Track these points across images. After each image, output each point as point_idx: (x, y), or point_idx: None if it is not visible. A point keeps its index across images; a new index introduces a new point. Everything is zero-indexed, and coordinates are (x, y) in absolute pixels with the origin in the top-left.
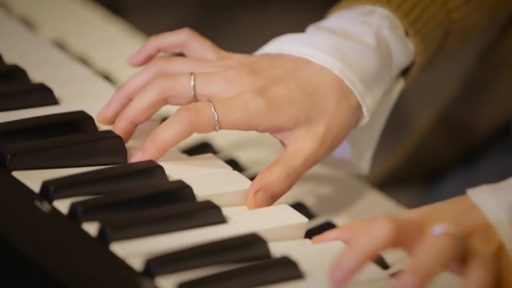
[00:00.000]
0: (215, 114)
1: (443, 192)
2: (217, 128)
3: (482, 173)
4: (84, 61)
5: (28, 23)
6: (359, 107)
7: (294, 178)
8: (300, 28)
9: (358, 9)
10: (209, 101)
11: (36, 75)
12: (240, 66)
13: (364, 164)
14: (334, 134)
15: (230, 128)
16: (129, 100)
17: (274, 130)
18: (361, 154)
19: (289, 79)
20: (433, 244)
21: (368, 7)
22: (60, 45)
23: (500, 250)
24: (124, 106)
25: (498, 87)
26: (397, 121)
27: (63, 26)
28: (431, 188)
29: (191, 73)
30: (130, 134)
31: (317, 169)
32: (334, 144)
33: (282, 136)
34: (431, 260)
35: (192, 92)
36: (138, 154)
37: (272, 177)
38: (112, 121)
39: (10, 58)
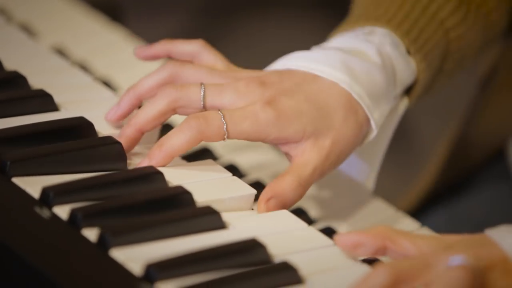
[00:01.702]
0: (224, 123)
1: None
2: (225, 137)
3: (473, 200)
4: (84, 68)
5: (28, 30)
6: (366, 122)
7: (305, 187)
8: (299, 34)
9: (358, 30)
10: (219, 110)
11: (36, 82)
12: (250, 78)
13: (369, 182)
14: (340, 148)
15: (238, 138)
16: (139, 101)
17: (281, 142)
18: (366, 172)
19: (298, 92)
20: (450, 275)
21: (368, 28)
22: (60, 52)
23: None
24: (134, 107)
25: (492, 112)
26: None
27: (63, 32)
28: (419, 215)
29: (201, 84)
30: (136, 141)
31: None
32: (339, 159)
33: (288, 149)
34: None
35: (202, 103)
36: (145, 161)
37: (284, 185)
38: (121, 120)
39: (10, 65)
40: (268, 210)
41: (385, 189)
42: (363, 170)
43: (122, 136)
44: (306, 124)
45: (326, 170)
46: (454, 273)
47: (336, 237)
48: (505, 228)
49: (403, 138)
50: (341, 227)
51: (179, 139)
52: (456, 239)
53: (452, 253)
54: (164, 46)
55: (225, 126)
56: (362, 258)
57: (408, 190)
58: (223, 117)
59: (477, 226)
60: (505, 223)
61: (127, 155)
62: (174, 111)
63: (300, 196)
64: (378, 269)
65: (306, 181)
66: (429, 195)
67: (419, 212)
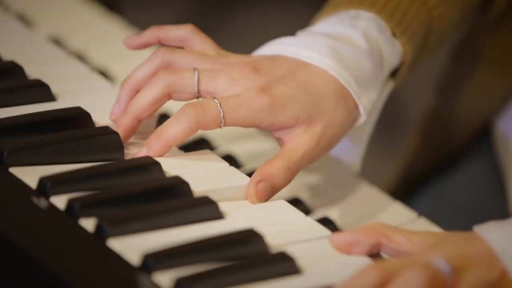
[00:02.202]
0: (221, 111)
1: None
2: (222, 125)
3: (457, 178)
4: (81, 58)
5: (25, 20)
6: (355, 108)
7: (294, 171)
8: (296, 24)
9: (343, 14)
10: (214, 98)
11: (33, 72)
12: (242, 64)
13: (356, 164)
14: (330, 134)
15: (234, 125)
16: (136, 92)
17: (276, 128)
18: (353, 154)
19: (291, 79)
20: (410, 276)
21: (352, 12)
22: (57, 42)
23: (503, 276)
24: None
25: (475, 89)
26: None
27: (60, 23)
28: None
29: (195, 69)
30: (134, 129)
31: (313, 164)
32: (330, 144)
33: (281, 134)
34: None
35: (196, 88)
36: (142, 150)
37: (273, 169)
38: None
39: (7, 55)
40: (257, 193)
41: (369, 168)
42: (351, 152)
43: (120, 125)
44: (299, 110)
45: (316, 155)
46: (413, 273)
47: (330, 237)
48: (493, 224)
49: (387, 115)
50: (338, 217)
51: (177, 128)
52: (445, 236)
53: (439, 252)
54: (153, 33)
55: (221, 114)
56: None
57: (393, 169)
58: (219, 105)
59: (462, 205)
60: (489, 202)
61: (125, 145)
62: (168, 96)
63: (289, 180)
64: (368, 268)
65: (296, 165)
66: (414, 174)
67: (404, 191)
